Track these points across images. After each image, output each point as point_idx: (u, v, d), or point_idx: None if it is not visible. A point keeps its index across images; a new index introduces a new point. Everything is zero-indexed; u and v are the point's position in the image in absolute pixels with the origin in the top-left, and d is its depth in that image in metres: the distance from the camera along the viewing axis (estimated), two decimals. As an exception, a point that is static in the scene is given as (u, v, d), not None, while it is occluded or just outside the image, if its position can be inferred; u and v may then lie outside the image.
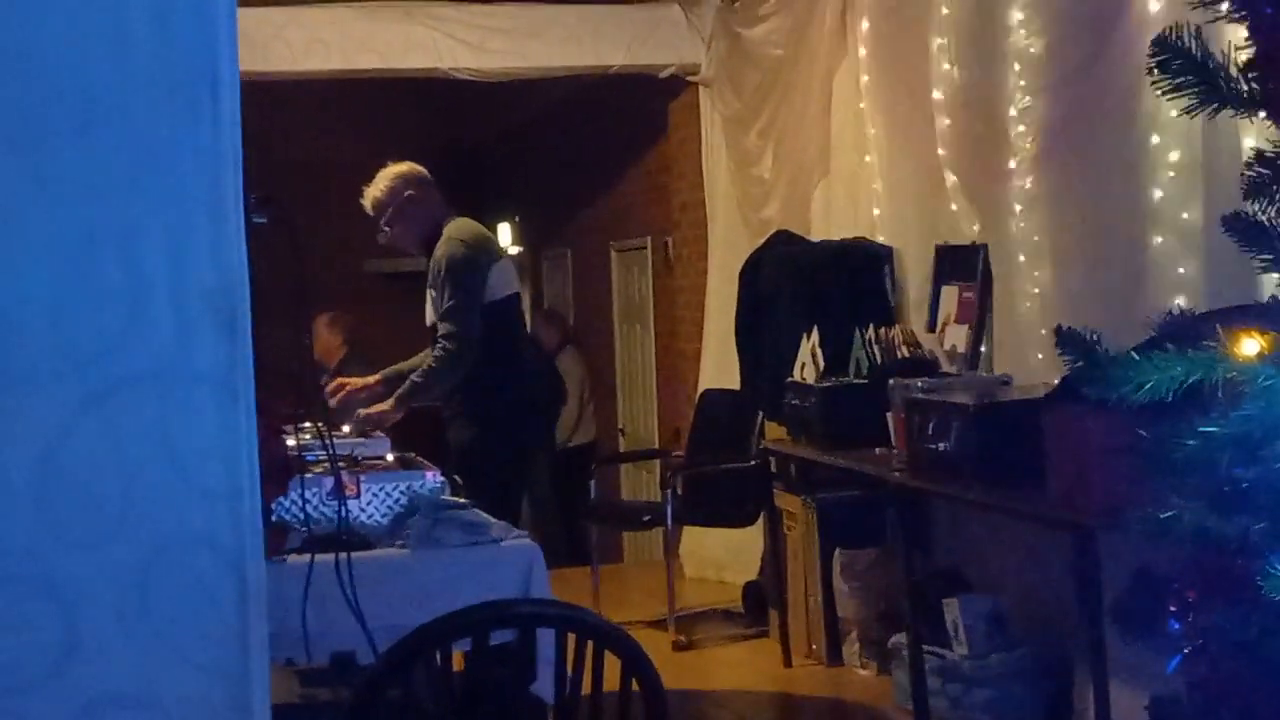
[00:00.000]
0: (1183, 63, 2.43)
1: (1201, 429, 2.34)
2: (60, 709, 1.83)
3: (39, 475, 1.81)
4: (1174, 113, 2.57)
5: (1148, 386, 2.32)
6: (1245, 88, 2.45)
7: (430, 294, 5.30)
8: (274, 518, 3.74)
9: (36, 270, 1.81)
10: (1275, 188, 2.46)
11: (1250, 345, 2.37)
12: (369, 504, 4.08)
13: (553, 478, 9.19)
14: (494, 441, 5.20)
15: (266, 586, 1.93)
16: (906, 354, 5.60)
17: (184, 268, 1.84)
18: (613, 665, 2.54)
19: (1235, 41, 2.54)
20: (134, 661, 1.85)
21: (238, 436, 1.88)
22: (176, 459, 1.85)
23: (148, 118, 1.83)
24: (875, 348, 5.63)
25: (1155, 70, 2.47)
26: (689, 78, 7.90)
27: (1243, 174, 2.52)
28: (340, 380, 5.32)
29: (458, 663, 2.66)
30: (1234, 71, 2.44)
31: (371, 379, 5.27)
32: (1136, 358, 2.38)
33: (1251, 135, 3.61)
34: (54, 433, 1.81)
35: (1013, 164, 5.15)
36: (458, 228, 5.34)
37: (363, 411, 5.02)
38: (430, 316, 5.32)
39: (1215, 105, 2.47)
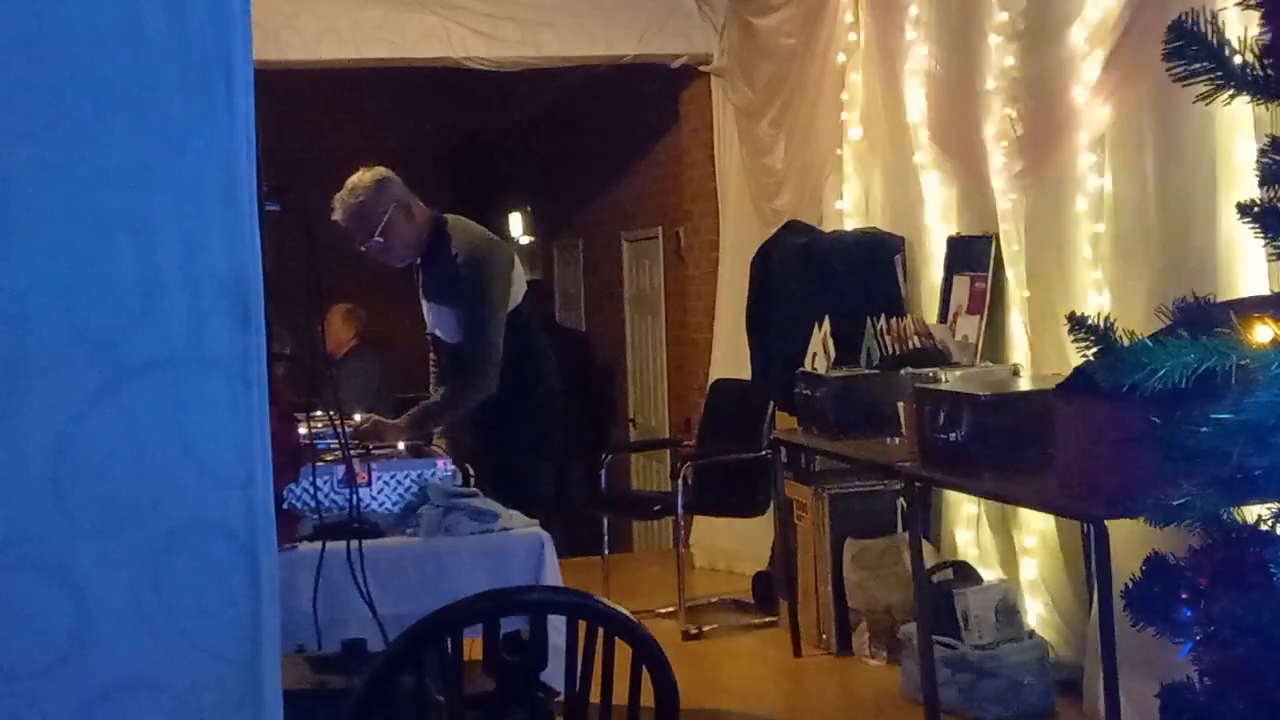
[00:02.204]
0: (1198, 49, 2.42)
1: (1214, 416, 2.33)
2: (73, 694, 1.84)
3: (53, 462, 1.81)
4: (1190, 100, 2.55)
5: (1160, 374, 2.31)
6: (1261, 74, 2.44)
7: (438, 306, 4.89)
8: (285, 505, 3.75)
9: (51, 257, 1.81)
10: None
11: (1263, 332, 2.37)
12: (380, 492, 4.10)
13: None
14: (535, 447, 4.95)
15: (278, 574, 1.93)
16: (918, 344, 5.59)
17: (198, 255, 1.85)
18: (623, 653, 2.54)
19: (1251, 28, 2.53)
20: (146, 648, 1.85)
21: (251, 424, 1.88)
22: (190, 446, 1.86)
23: (162, 105, 1.83)
24: (886, 338, 5.62)
25: (1171, 56, 2.46)
26: (701, 67, 7.89)
27: (1258, 161, 2.52)
28: (373, 417, 4.83)
29: (475, 651, 2.66)
30: (1249, 58, 2.43)
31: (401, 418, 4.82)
32: (1149, 345, 2.38)
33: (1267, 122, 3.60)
34: (68, 419, 1.82)
35: (1025, 154, 5.14)
36: (471, 235, 4.86)
37: (370, 416, 4.69)
38: (441, 328, 4.91)
39: (1231, 92, 2.47)
